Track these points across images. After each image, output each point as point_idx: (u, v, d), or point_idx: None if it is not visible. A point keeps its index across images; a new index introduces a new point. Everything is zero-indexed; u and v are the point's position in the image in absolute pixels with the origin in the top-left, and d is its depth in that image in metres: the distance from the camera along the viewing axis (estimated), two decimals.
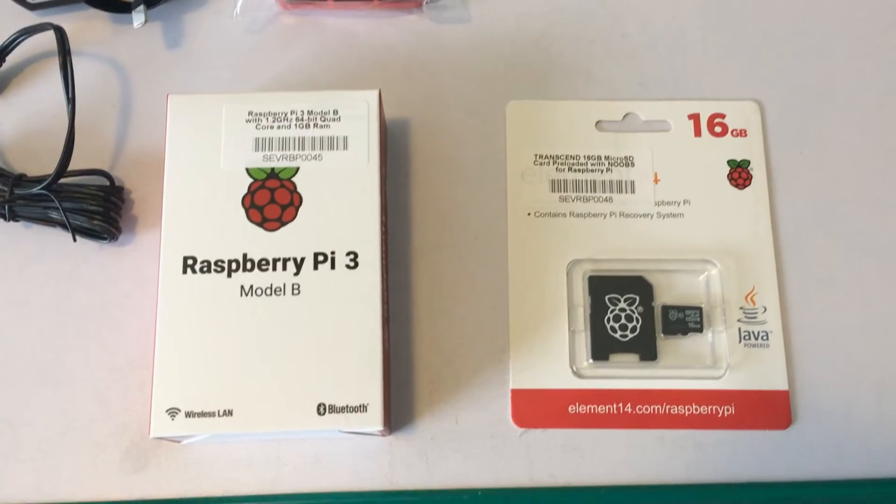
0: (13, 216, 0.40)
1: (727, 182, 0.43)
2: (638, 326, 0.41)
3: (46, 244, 0.41)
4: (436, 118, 0.44)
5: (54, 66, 0.44)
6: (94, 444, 0.39)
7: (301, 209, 0.38)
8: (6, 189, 0.40)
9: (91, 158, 0.42)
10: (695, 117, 0.44)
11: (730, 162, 0.43)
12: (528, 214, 0.42)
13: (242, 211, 0.38)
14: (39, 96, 0.44)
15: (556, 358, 0.40)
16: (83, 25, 0.45)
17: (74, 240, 0.40)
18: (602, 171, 0.43)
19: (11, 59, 0.44)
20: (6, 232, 0.41)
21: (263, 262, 0.37)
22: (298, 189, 0.38)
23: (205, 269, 0.37)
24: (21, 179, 0.40)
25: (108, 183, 0.41)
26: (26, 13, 0.45)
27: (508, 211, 0.42)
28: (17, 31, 0.42)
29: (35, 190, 0.39)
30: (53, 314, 0.40)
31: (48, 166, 0.41)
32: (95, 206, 0.40)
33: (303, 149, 0.39)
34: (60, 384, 0.40)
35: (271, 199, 0.38)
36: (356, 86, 0.44)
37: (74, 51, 0.43)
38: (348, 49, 0.45)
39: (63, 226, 0.40)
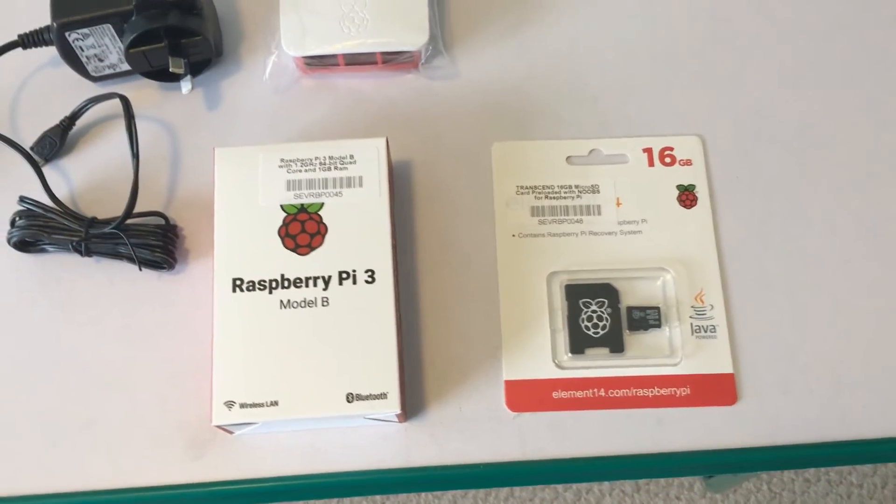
0: (88, 252, 0.48)
1: (677, 203, 0.51)
2: (607, 325, 0.48)
3: (115, 274, 0.49)
4: (433, 158, 0.52)
5: (114, 126, 0.52)
6: (160, 437, 0.46)
7: (327, 236, 0.45)
8: (82, 230, 0.47)
9: (148, 202, 0.50)
10: (648, 150, 0.52)
11: (678, 186, 0.51)
12: (513, 236, 0.50)
13: (279, 239, 0.45)
14: (101, 152, 0.51)
15: (540, 353, 0.48)
16: (137, 93, 0.52)
17: (140, 269, 0.47)
18: (573, 198, 0.51)
19: (79, 121, 0.51)
20: (82, 265, 0.49)
21: (298, 281, 0.44)
22: (324, 220, 0.45)
23: (250, 287, 0.44)
24: (94, 222, 0.48)
25: (163, 221, 0.49)
26: (89, 84, 0.53)
27: (496, 233, 0.50)
28: (87, 99, 0.50)
29: (107, 229, 0.47)
30: (122, 331, 0.48)
31: (112, 210, 0.49)
32: (156, 242, 0.48)
33: (326, 187, 0.46)
34: (129, 388, 0.47)
35: (302, 229, 0.45)
36: (366, 134, 0.52)
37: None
38: (358, 104, 0.53)
39: (130, 259, 0.48)
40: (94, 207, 0.50)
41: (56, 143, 0.50)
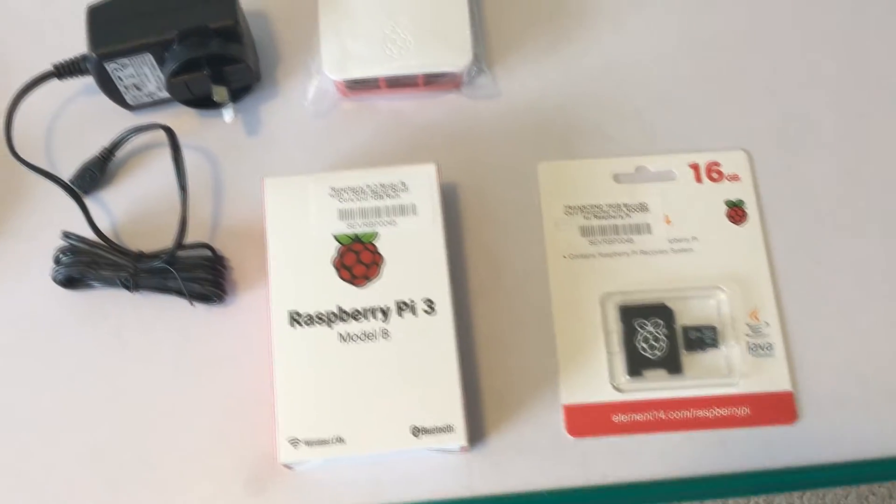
0: (136, 287, 0.46)
1: (726, 220, 0.50)
2: (664, 346, 0.47)
3: (163, 309, 0.48)
4: (478, 179, 0.51)
5: (153, 155, 0.51)
6: (218, 473, 0.45)
7: (383, 267, 0.44)
8: (130, 265, 0.46)
9: (192, 232, 0.49)
10: (695, 166, 0.51)
11: (727, 203, 0.50)
12: (564, 257, 0.49)
13: (334, 271, 0.44)
14: (141, 182, 0.50)
15: (598, 376, 0.47)
16: (174, 121, 0.51)
17: (192, 304, 0.46)
18: (622, 217, 0.50)
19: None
20: (129, 300, 0.48)
21: (356, 313, 0.44)
22: (379, 250, 0.45)
23: (308, 321, 0.43)
24: (141, 256, 0.47)
25: (210, 253, 0.48)
26: (125, 112, 0.51)
27: (547, 255, 0.49)
28: (128, 129, 0.49)
29: (157, 264, 0.46)
30: (175, 367, 0.47)
31: (155, 242, 0.48)
32: (206, 275, 0.46)
33: (379, 216, 0.45)
34: (184, 425, 0.46)
35: (357, 259, 0.44)
36: (410, 157, 0.51)
37: (166, 143, 0.50)
38: (400, 126, 0.52)
39: (179, 293, 0.47)
40: (136, 240, 0.49)
41: (96, 174, 0.49)
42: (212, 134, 0.51)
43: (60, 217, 0.49)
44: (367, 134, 0.52)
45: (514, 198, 0.50)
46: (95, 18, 0.47)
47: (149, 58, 0.47)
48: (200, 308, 0.47)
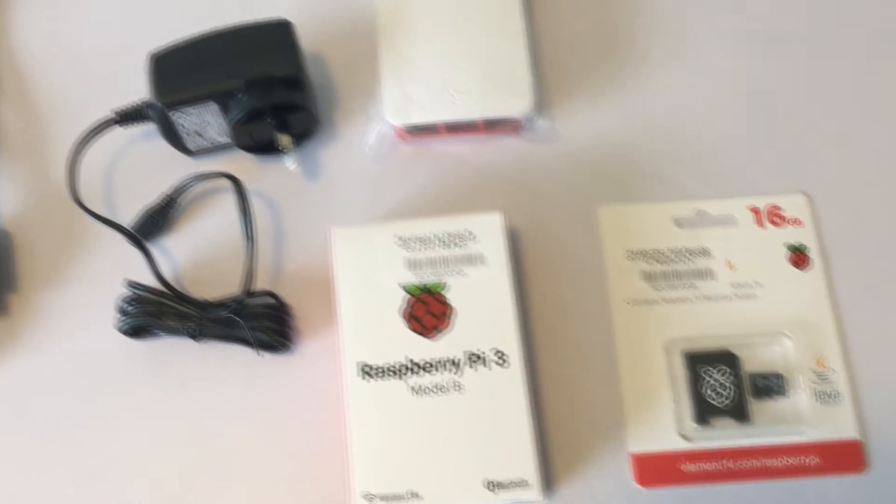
0: (202, 337, 0.46)
1: (789, 265, 0.50)
2: (731, 393, 0.47)
3: (228, 358, 0.47)
4: (538, 223, 0.51)
5: (214, 201, 0.51)
6: None
7: (453, 317, 0.44)
8: (196, 315, 0.46)
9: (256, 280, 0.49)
10: (755, 210, 0.51)
11: (789, 247, 0.50)
12: (627, 302, 0.49)
13: (403, 322, 0.44)
14: (203, 228, 0.50)
15: (665, 424, 0.47)
16: (233, 166, 0.51)
17: (259, 355, 0.46)
18: (684, 262, 0.50)
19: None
20: (193, 349, 0.47)
21: (428, 365, 0.43)
22: (448, 301, 0.44)
23: (380, 374, 0.43)
24: (207, 305, 0.46)
25: (274, 301, 0.48)
26: (184, 157, 0.51)
27: (610, 300, 0.49)
28: (192, 177, 0.48)
29: (224, 314, 0.45)
30: (241, 417, 0.46)
31: (216, 289, 0.48)
32: (271, 324, 0.46)
33: (447, 266, 0.45)
34: (252, 476, 0.45)
35: (427, 310, 0.44)
36: (470, 202, 0.51)
37: (227, 189, 0.50)
38: (458, 170, 0.52)
39: (245, 342, 0.46)
40: (196, 286, 0.49)
41: (158, 221, 0.49)
42: (270, 178, 0.51)
43: (122, 263, 0.49)
44: (426, 178, 0.51)
45: (575, 242, 0.50)
46: (159, 66, 0.47)
47: (213, 106, 0.47)
48: (265, 357, 0.47)
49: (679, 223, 0.51)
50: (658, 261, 0.50)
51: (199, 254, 0.50)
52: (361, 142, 0.52)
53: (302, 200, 0.51)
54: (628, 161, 0.52)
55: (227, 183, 0.49)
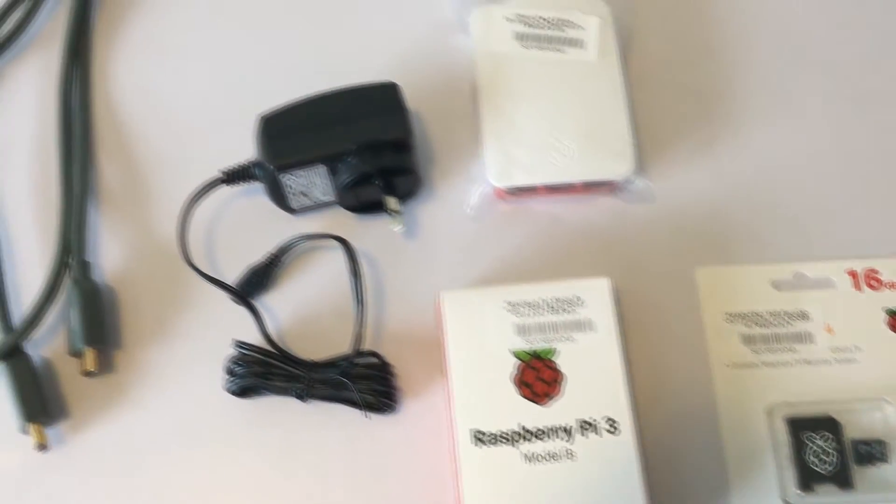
0: (309, 398, 0.46)
1: (888, 329, 0.50)
2: (834, 460, 0.47)
3: (331, 417, 0.47)
4: (636, 283, 0.51)
5: (315, 259, 0.51)
6: None
7: (564, 384, 0.44)
8: (304, 375, 0.46)
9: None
10: (853, 273, 0.51)
11: (887, 311, 0.50)
12: (727, 366, 0.49)
13: (515, 388, 0.44)
14: (304, 286, 0.50)
15: (768, 490, 0.47)
16: (332, 222, 0.51)
17: (367, 417, 0.46)
18: (783, 326, 0.50)
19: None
20: (297, 409, 0.47)
21: (540, 433, 0.43)
22: (559, 367, 0.45)
23: (492, 441, 0.43)
24: (314, 365, 0.47)
25: (377, 361, 0.48)
26: (284, 215, 0.52)
27: (711, 363, 0.49)
28: (299, 237, 0.49)
29: (334, 375, 0.46)
30: (346, 479, 0.46)
31: (316, 348, 0.48)
32: (377, 385, 0.46)
33: (557, 332, 0.45)
34: None
35: (538, 377, 0.44)
36: (567, 261, 0.51)
37: (327, 247, 0.50)
38: (555, 229, 0.52)
39: (350, 403, 0.47)
40: (297, 345, 0.49)
41: (262, 280, 0.49)
42: (368, 236, 0.51)
43: (225, 321, 0.49)
44: (524, 237, 0.52)
45: (674, 303, 0.50)
46: (268, 128, 0.47)
47: (322, 168, 0.47)
48: (370, 417, 0.47)
49: (777, 286, 0.51)
50: (757, 324, 0.50)
51: (300, 312, 0.50)
52: (459, 200, 0.52)
53: (401, 258, 0.51)
54: (725, 222, 0.52)
55: (328, 241, 0.50)
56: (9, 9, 0.54)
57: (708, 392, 0.49)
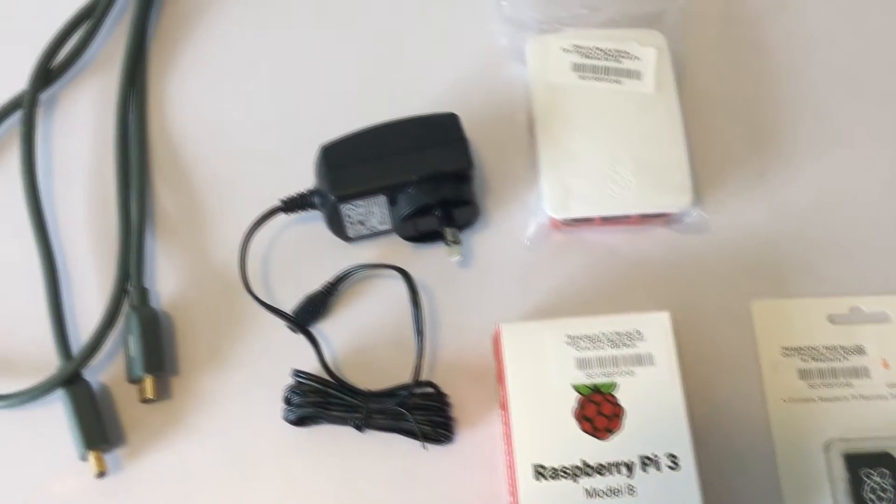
0: (367, 428, 0.46)
1: None
2: (891, 497, 0.47)
3: (388, 446, 0.47)
4: (690, 315, 0.51)
5: (371, 289, 0.51)
6: None
7: (624, 419, 0.44)
8: (363, 405, 0.46)
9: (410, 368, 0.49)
10: None
11: None
12: (783, 400, 0.49)
13: (575, 422, 0.44)
14: (360, 314, 0.50)
15: None
16: (388, 251, 0.51)
17: (425, 448, 0.46)
18: (839, 360, 0.50)
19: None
20: (355, 438, 0.47)
21: (601, 468, 0.43)
22: (619, 401, 0.44)
23: (553, 475, 0.43)
24: (371, 396, 0.47)
25: (433, 391, 0.48)
26: (339, 242, 0.52)
27: (767, 398, 0.49)
28: (357, 266, 0.49)
29: (392, 406, 0.46)
30: None
31: (371, 377, 0.48)
32: (434, 416, 0.46)
33: (617, 366, 0.45)
34: None
35: (598, 411, 0.44)
36: (622, 292, 0.51)
37: (382, 276, 0.50)
38: (610, 259, 0.52)
39: (407, 433, 0.46)
40: (351, 374, 0.49)
41: (318, 309, 0.49)
42: (422, 264, 0.51)
43: (281, 348, 0.49)
44: (578, 267, 0.52)
45: (728, 336, 0.50)
46: (329, 158, 0.48)
47: (382, 199, 0.47)
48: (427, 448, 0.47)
49: (833, 320, 0.51)
50: (813, 358, 0.50)
51: (354, 340, 0.50)
52: (513, 229, 0.52)
53: (455, 288, 0.51)
54: (780, 254, 0.52)
55: (383, 269, 0.50)
56: (67, 34, 0.54)
57: (764, 427, 0.48)
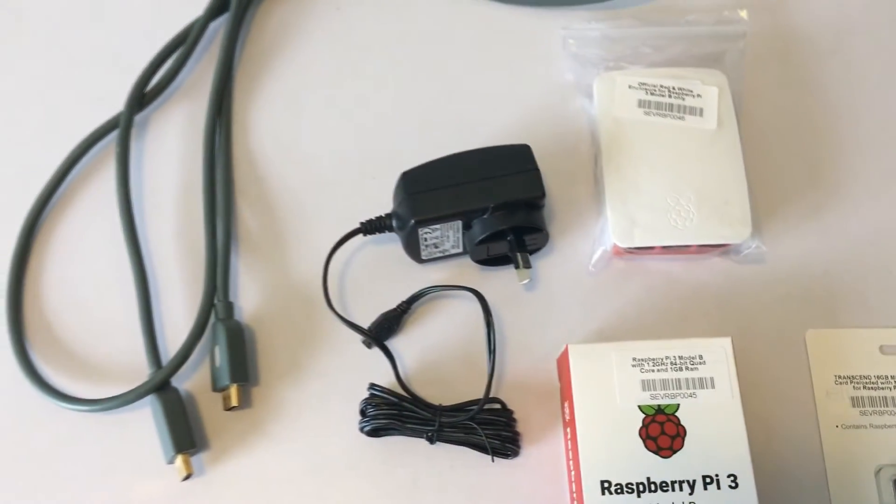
0: (438, 440, 0.49)
1: None
2: None
3: (455, 460, 0.50)
4: (746, 342, 0.52)
5: (438, 307, 0.53)
6: None
7: (686, 439, 0.46)
8: (434, 419, 0.48)
9: (479, 384, 0.51)
10: None
11: None
12: (836, 427, 0.51)
13: (640, 441, 0.46)
14: (430, 332, 0.53)
15: None
16: (457, 273, 0.54)
17: (493, 461, 0.49)
18: (890, 390, 0.51)
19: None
20: (425, 450, 0.50)
21: (664, 485, 0.45)
22: (682, 422, 0.46)
23: (619, 490, 0.45)
24: (443, 410, 0.49)
25: (500, 407, 0.50)
26: (412, 263, 0.54)
27: (820, 424, 0.51)
28: (435, 286, 0.52)
29: (463, 420, 0.48)
30: None
31: (440, 392, 0.50)
32: (502, 430, 0.49)
33: (680, 388, 0.47)
34: None
35: (662, 431, 0.46)
36: (680, 318, 0.53)
37: (451, 296, 0.53)
38: (669, 287, 0.54)
39: (475, 447, 0.49)
40: (420, 388, 0.51)
41: (394, 327, 0.52)
42: (490, 286, 0.53)
43: (355, 362, 0.52)
44: (638, 293, 0.54)
45: (783, 364, 0.52)
46: (408, 184, 0.50)
47: (457, 224, 0.50)
48: (485, 459, 0.49)
49: (884, 350, 0.52)
50: (865, 386, 0.52)
51: (425, 357, 0.52)
52: (577, 255, 0.54)
53: (521, 309, 0.53)
54: (834, 286, 0.54)
55: (451, 289, 0.52)
56: (161, 62, 0.58)
57: (817, 452, 0.50)
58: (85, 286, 0.54)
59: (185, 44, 0.58)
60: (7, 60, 0.60)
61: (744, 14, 0.59)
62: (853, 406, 0.51)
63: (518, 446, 0.49)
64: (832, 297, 0.54)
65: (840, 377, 0.52)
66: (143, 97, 0.57)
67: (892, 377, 0.52)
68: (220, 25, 0.60)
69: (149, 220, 0.56)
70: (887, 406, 0.51)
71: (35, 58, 0.60)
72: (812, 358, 0.52)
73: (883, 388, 0.51)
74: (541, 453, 0.50)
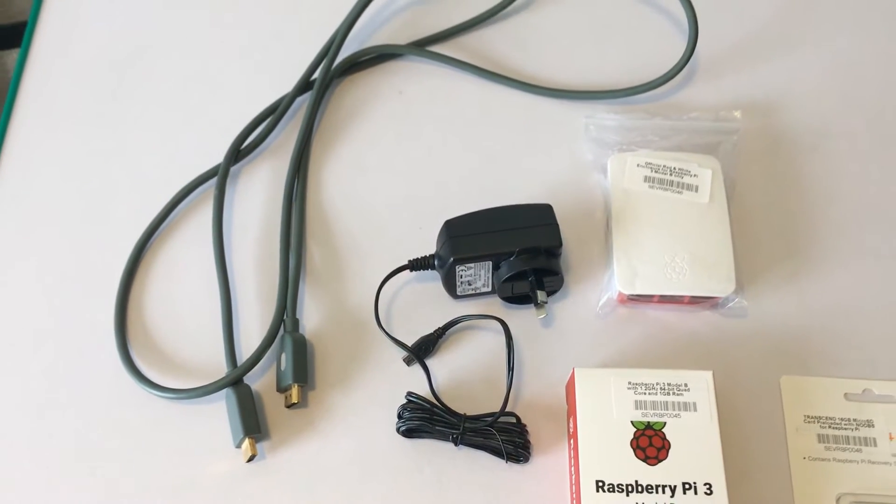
0: (461, 443, 0.56)
1: None
2: None
3: (474, 462, 0.57)
4: (728, 385, 0.60)
5: (466, 335, 0.62)
6: None
7: (671, 451, 0.53)
8: (460, 424, 0.56)
9: (497, 401, 0.59)
10: None
11: None
12: (804, 458, 0.57)
13: (631, 450, 0.53)
14: (458, 355, 0.61)
15: None
16: (484, 308, 0.62)
17: (506, 462, 0.56)
18: (852, 430, 0.58)
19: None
20: (449, 451, 0.57)
21: (650, 487, 0.52)
22: (667, 437, 0.54)
23: (611, 489, 0.52)
24: (467, 417, 0.57)
25: (514, 420, 0.58)
26: (448, 298, 0.63)
27: (790, 456, 0.57)
28: (466, 315, 0.60)
29: (482, 425, 0.56)
30: None
31: (466, 404, 0.58)
32: (516, 438, 0.56)
33: (667, 409, 0.54)
34: None
35: (650, 443, 0.54)
36: (673, 359, 0.60)
37: (477, 327, 0.61)
38: (664, 333, 0.62)
39: (494, 451, 0.56)
40: (450, 401, 0.59)
41: (430, 348, 0.60)
42: (512, 320, 0.61)
43: (395, 375, 0.60)
44: (638, 335, 0.62)
45: (760, 404, 0.59)
46: (450, 229, 0.59)
47: (488, 264, 0.59)
48: (504, 464, 0.57)
49: (848, 397, 0.59)
50: (830, 426, 0.58)
51: (453, 375, 0.60)
52: (587, 300, 0.63)
53: (537, 341, 0.61)
54: (806, 340, 0.61)
55: (480, 321, 0.61)
56: (255, 125, 0.69)
57: (786, 479, 0.57)
58: (179, 300, 0.63)
59: (274, 113, 0.69)
60: (137, 116, 0.72)
61: (738, 114, 0.69)
62: (819, 442, 0.58)
63: (529, 453, 0.57)
64: (805, 349, 0.61)
65: (809, 417, 0.59)
66: (238, 153, 0.68)
67: (854, 420, 0.58)
68: (304, 101, 0.72)
69: (235, 251, 0.65)
70: (848, 444, 0.58)
71: (159, 116, 0.72)
72: (785, 400, 0.59)
73: (846, 429, 0.58)
74: (547, 461, 0.57)
